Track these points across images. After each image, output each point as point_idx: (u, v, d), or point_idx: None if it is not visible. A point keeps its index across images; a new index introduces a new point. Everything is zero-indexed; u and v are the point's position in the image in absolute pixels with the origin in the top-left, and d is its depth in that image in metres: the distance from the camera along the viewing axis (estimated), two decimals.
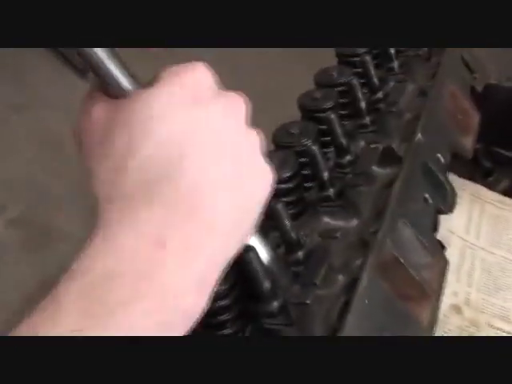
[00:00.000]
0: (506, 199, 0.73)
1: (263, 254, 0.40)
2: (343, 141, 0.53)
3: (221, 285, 0.39)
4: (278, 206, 0.43)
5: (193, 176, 0.32)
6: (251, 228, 0.36)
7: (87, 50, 0.33)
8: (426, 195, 0.54)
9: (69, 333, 0.27)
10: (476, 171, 0.80)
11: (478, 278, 0.63)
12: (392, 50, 0.68)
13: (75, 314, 0.27)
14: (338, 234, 0.46)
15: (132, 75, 0.35)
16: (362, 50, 0.64)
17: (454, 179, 0.69)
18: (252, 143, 0.36)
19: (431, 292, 0.47)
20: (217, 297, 0.39)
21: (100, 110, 0.34)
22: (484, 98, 0.74)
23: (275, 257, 0.40)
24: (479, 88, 0.73)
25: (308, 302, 0.39)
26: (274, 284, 0.40)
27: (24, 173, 1.74)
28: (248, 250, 0.38)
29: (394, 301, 0.44)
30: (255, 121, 0.38)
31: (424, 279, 0.48)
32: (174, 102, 0.33)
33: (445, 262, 0.51)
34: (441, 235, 0.62)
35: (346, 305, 0.39)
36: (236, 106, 0.35)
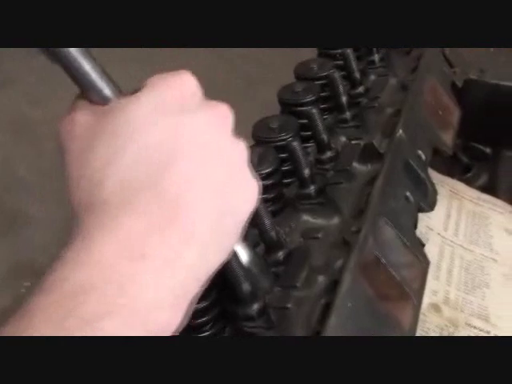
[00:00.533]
0: (485, 195, 0.73)
1: (243, 255, 0.38)
2: (324, 136, 0.52)
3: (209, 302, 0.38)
4: (259, 205, 0.41)
5: (175, 186, 0.30)
6: (235, 241, 0.34)
7: (63, 51, 0.31)
8: (408, 193, 0.53)
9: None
10: (455, 167, 0.80)
11: (456, 276, 0.62)
12: (376, 57, 0.67)
13: (47, 331, 0.25)
14: (319, 235, 0.45)
15: (113, 82, 0.33)
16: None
17: (433, 175, 0.68)
18: (238, 154, 0.34)
19: (412, 292, 0.47)
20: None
21: (83, 117, 0.32)
22: (463, 93, 0.74)
23: (256, 258, 0.39)
24: (459, 83, 0.72)
25: (289, 306, 0.37)
26: (254, 286, 0.38)
27: None
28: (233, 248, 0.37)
29: (375, 302, 0.43)
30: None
31: (405, 279, 0.47)
32: (158, 110, 0.32)
33: (426, 262, 0.50)
34: (419, 232, 0.61)
35: (328, 307, 0.38)
36: (221, 115, 0.34)
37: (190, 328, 0.38)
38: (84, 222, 0.29)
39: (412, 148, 0.56)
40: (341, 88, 0.57)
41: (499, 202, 0.72)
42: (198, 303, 0.38)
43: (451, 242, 0.66)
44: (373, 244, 0.46)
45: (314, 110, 0.51)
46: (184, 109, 0.32)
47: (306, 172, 0.48)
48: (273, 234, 0.42)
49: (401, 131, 0.56)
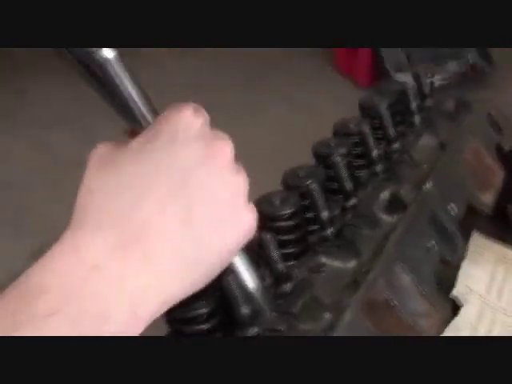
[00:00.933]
0: None
1: (248, 280, 0.40)
2: (348, 184, 0.54)
3: (203, 308, 0.40)
4: (267, 236, 0.44)
5: (147, 211, 0.33)
6: (207, 278, 0.36)
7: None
8: (430, 244, 0.53)
9: None
10: (507, 232, 0.77)
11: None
12: (414, 105, 0.69)
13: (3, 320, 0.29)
14: (325, 269, 0.46)
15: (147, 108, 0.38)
16: (380, 103, 0.66)
17: (480, 239, 0.67)
18: (233, 186, 0.36)
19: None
20: (199, 320, 0.40)
21: (105, 147, 0.37)
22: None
23: (259, 284, 0.41)
24: (506, 146, 0.72)
25: (281, 328, 0.39)
26: (254, 311, 0.40)
27: None
28: (229, 273, 0.39)
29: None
30: None
31: (418, 325, 0.47)
32: (152, 143, 0.35)
33: (445, 312, 0.50)
34: (458, 291, 0.60)
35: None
36: (219, 147, 0.36)
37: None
38: (65, 233, 0.33)
39: (441, 201, 0.57)
40: (371, 142, 0.59)
41: None
42: (202, 324, 0.40)
43: (493, 306, 0.64)
44: (384, 286, 0.46)
45: (339, 159, 0.54)
46: (178, 141, 0.35)
47: (324, 214, 0.50)
48: (280, 265, 0.44)
49: (430, 183, 0.57)
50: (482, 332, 0.61)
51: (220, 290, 0.41)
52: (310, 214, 0.53)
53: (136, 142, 0.35)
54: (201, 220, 0.35)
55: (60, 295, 0.30)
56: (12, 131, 2.17)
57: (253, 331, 0.40)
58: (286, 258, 0.48)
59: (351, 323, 0.42)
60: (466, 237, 0.58)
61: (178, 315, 0.40)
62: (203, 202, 0.35)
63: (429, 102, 0.73)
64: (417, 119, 0.69)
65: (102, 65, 0.36)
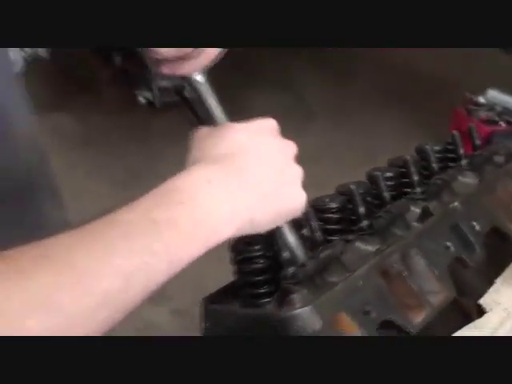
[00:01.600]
0: None
1: (290, 237, 0.57)
2: (386, 195, 0.70)
3: (260, 251, 0.58)
4: (309, 210, 0.61)
5: (248, 159, 0.52)
6: (276, 220, 0.54)
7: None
8: (448, 243, 0.66)
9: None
10: None
11: None
12: (461, 151, 0.83)
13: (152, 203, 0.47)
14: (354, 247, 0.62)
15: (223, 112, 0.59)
16: (432, 147, 0.81)
17: None
18: (294, 171, 0.55)
19: (426, 303, 0.59)
20: (258, 271, 0.58)
21: (204, 131, 0.57)
22: None
23: (298, 241, 0.58)
24: None
25: (308, 266, 0.55)
26: (293, 256, 0.57)
27: None
28: (279, 230, 0.57)
29: (385, 292, 0.57)
30: None
31: (425, 297, 0.61)
32: (250, 131, 0.55)
33: (451, 293, 0.63)
34: (485, 302, 0.73)
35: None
36: (287, 144, 0.56)
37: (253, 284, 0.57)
38: (194, 162, 0.52)
39: (466, 217, 0.70)
40: (412, 169, 0.74)
41: None
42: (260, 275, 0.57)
43: None
44: (398, 260, 0.61)
45: (379, 175, 0.70)
46: (264, 135, 0.55)
47: (361, 210, 0.66)
48: (317, 234, 0.61)
49: (457, 203, 0.71)
50: (499, 333, 0.71)
51: (272, 242, 0.58)
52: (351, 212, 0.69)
53: (240, 128, 0.55)
54: (272, 187, 0.53)
55: (187, 193, 0.48)
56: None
57: (290, 270, 0.56)
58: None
59: (365, 276, 0.57)
60: (488, 249, 0.71)
61: (242, 254, 0.58)
62: (275, 177, 0.53)
63: (479, 151, 0.87)
64: (464, 162, 0.83)
65: (197, 87, 0.58)
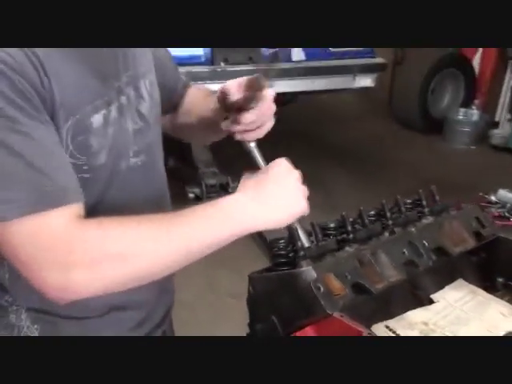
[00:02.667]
0: (496, 298, 1.14)
1: (301, 232, 0.98)
2: (366, 221, 1.10)
3: (284, 242, 0.98)
4: (314, 223, 1.01)
5: (270, 191, 0.93)
6: (281, 223, 0.94)
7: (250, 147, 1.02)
8: (404, 251, 1.05)
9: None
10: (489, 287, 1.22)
11: (447, 319, 1.06)
12: (424, 202, 1.23)
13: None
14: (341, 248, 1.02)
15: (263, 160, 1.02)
16: (403, 200, 1.21)
17: (463, 281, 1.16)
18: (300, 190, 0.95)
19: (386, 281, 0.98)
20: (281, 248, 0.98)
21: (247, 175, 0.99)
22: (491, 245, 1.22)
23: (306, 235, 0.98)
24: (484, 234, 1.21)
25: (310, 245, 0.95)
26: (302, 244, 0.97)
27: None
28: (294, 225, 0.97)
29: (358, 270, 0.96)
30: None
31: (386, 277, 0.99)
32: (275, 172, 0.97)
33: (402, 277, 1.00)
34: (435, 296, 1.10)
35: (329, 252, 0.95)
36: (294, 172, 0.96)
37: (278, 255, 0.98)
38: (239, 192, 0.93)
39: (419, 237, 1.09)
40: (386, 209, 1.14)
41: (506, 305, 1.12)
42: (283, 250, 0.98)
43: (455, 306, 1.10)
44: (368, 254, 1.00)
45: (362, 210, 1.11)
46: (286, 176, 0.97)
47: (349, 228, 1.06)
48: (319, 236, 1.01)
49: (413, 228, 1.10)
50: (441, 315, 1.07)
51: (291, 238, 0.99)
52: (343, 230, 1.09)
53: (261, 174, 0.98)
54: (286, 203, 0.94)
55: (227, 208, 0.90)
56: None
57: (301, 252, 0.96)
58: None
59: (346, 258, 0.96)
60: (437, 262, 1.08)
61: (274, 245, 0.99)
62: (286, 197, 0.95)
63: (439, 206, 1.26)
64: (426, 210, 1.22)
65: (250, 150, 1.02)
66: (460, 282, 1.19)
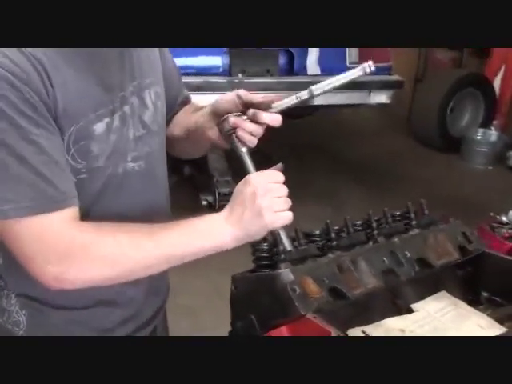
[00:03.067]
0: (477, 311, 1.17)
1: (284, 237, 1.02)
2: (351, 230, 1.13)
3: (267, 246, 1.03)
4: (297, 229, 1.06)
5: (243, 211, 0.97)
6: (260, 234, 0.98)
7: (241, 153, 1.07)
8: (385, 260, 1.09)
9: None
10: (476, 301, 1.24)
11: (424, 329, 1.08)
12: (412, 215, 1.26)
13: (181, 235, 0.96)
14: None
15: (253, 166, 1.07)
16: (390, 212, 1.25)
17: (445, 293, 1.19)
18: (284, 202, 0.99)
19: (363, 287, 1.01)
20: (264, 251, 1.03)
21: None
22: (477, 260, 1.24)
23: (288, 240, 1.02)
24: (470, 248, 1.24)
25: (291, 249, 0.99)
26: (284, 247, 1.01)
27: None
28: (277, 230, 1.02)
29: (338, 276, 1.00)
30: None
31: (364, 284, 1.02)
32: (250, 193, 1.01)
33: (380, 284, 1.04)
34: (415, 306, 1.13)
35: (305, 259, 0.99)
36: (279, 186, 0.99)
37: (261, 258, 1.02)
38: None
39: (401, 248, 1.13)
40: (372, 220, 1.18)
41: (485, 318, 1.15)
42: (266, 252, 1.03)
43: (434, 317, 1.12)
44: (347, 261, 1.04)
45: (347, 219, 1.15)
46: (270, 187, 1.01)
47: (332, 236, 1.10)
48: (302, 241, 1.05)
49: (396, 239, 1.14)
50: (419, 324, 1.10)
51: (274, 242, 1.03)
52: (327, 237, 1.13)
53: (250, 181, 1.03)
54: (259, 222, 0.96)
55: (210, 226, 0.97)
56: None
57: (281, 255, 1.00)
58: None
59: (325, 264, 1.00)
60: (418, 273, 1.11)
61: (257, 248, 1.03)
62: (261, 215, 0.97)
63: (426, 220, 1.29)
64: (413, 223, 1.26)
65: (241, 155, 1.06)
66: (443, 293, 1.22)
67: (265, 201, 0.96)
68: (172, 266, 0.98)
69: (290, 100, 1.09)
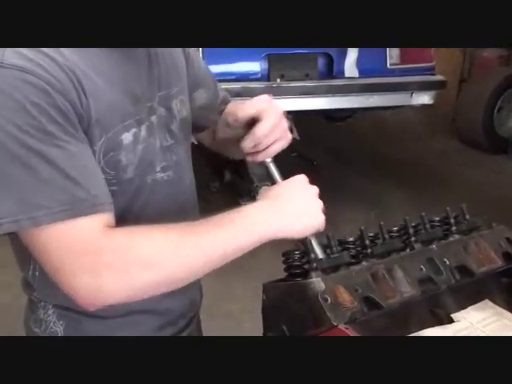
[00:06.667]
0: None
1: (315, 244, 0.99)
2: (386, 236, 1.09)
3: (299, 254, 1.00)
4: (330, 235, 1.02)
5: (287, 201, 0.97)
6: (296, 235, 0.97)
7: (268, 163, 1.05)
8: (422, 267, 1.04)
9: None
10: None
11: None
12: (452, 220, 1.21)
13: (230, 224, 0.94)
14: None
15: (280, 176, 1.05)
16: (429, 217, 1.20)
17: (489, 302, 1.14)
18: (314, 202, 0.99)
19: (399, 296, 0.97)
20: (296, 259, 1.00)
21: (267, 188, 1.03)
22: None
23: (320, 248, 0.99)
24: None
25: (323, 257, 0.96)
26: (315, 256, 0.98)
27: None
28: (308, 238, 0.99)
29: (371, 284, 0.96)
30: None
31: (400, 294, 0.98)
32: (292, 186, 1.01)
33: (417, 292, 1.00)
34: (455, 316, 1.08)
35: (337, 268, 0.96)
36: (311, 188, 1.00)
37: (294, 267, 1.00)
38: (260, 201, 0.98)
39: (440, 255, 1.08)
40: (409, 226, 1.14)
41: None
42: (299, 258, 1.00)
43: (476, 328, 1.07)
44: (382, 269, 1.00)
45: (381, 225, 1.11)
46: (300, 187, 1.00)
47: (367, 242, 1.06)
48: (335, 249, 1.02)
49: (434, 246, 1.09)
50: (462, 333, 1.05)
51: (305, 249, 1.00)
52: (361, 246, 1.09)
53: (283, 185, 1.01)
54: (303, 215, 0.97)
55: (249, 213, 0.95)
56: None
57: (314, 264, 0.98)
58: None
59: (358, 272, 0.97)
60: (459, 282, 1.06)
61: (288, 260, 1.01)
62: (304, 208, 0.97)
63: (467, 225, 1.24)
64: (453, 228, 1.20)
65: (268, 166, 1.05)
66: (485, 302, 1.16)
67: (302, 201, 0.98)
68: (216, 265, 0.92)
69: None
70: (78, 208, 0.87)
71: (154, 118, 1.04)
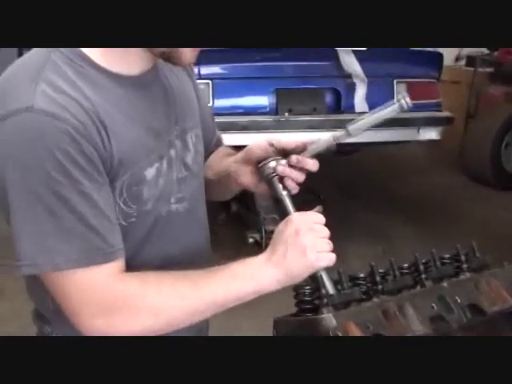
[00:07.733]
0: None
1: (326, 279, 0.99)
2: (397, 273, 1.09)
3: (310, 290, 1.00)
4: (340, 271, 1.02)
5: (286, 251, 0.97)
6: (301, 277, 0.97)
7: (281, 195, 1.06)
8: (433, 306, 1.04)
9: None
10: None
11: None
12: (463, 257, 1.21)
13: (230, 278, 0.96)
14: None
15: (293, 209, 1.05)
16: (439, 254, 1.20)
17: None
18: (322, 243, 0.98)
19: (409, 330, 0.97)
20: (306, 295, 1.00)
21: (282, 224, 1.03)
22: None
23: (331, 283, 0.99)
24: None
25: (334, 293, 0.96)
26: (326, 291, 0.98)
27: None
28: (319, 273, 0.99)
29: (382, 322, 0.96)
30: None
31: (411, 331, 0.98)
32: (292, 233, 0.99)
33: (428, 331, 0.99)
34: None
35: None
36: (321, 228, 0.99)
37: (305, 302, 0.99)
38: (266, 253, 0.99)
39: (451, 293, 1.07)
40: (419, 263, 1.13)
41: None
42: (310, 293, 1.00)
43: None
44: (393, 306, 0.99)
45: (392, 261, 1.10)
46: (309, 228, 0.99)
47: (378, 279, 1.06)
48: (345, 284, 1.01)
49: (445, 284, 1.09)
50: None
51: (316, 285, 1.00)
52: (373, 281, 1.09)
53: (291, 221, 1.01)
54: (301, 263, 0.97)
55: (252, 269, 0.96)
56: None
57: (325, 299, 0.97)
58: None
59: (369, 308, 0.96)
60: (471, 320, 1.06)
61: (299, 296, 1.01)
62: (304, 255, 0.97)
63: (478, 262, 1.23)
64: (464, 266, 1.20)
65: (282, 198, 1.05)
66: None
67: (308, 239, 0.97)
68: (216, 312, 0.99)
69: (327, 142, 1.08)
70: (94, 256, 0.91)
71: (172, 152, 1.06)
